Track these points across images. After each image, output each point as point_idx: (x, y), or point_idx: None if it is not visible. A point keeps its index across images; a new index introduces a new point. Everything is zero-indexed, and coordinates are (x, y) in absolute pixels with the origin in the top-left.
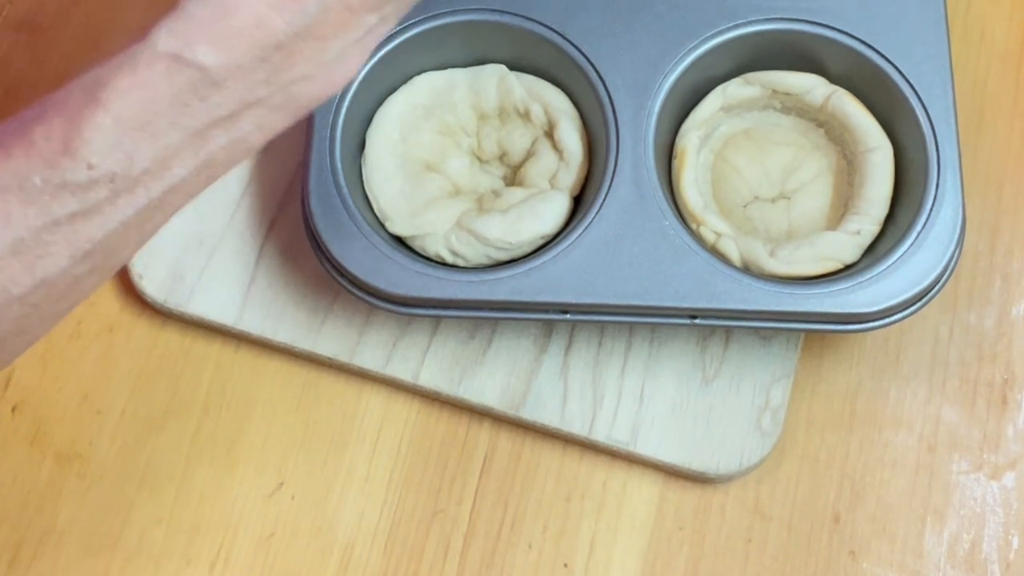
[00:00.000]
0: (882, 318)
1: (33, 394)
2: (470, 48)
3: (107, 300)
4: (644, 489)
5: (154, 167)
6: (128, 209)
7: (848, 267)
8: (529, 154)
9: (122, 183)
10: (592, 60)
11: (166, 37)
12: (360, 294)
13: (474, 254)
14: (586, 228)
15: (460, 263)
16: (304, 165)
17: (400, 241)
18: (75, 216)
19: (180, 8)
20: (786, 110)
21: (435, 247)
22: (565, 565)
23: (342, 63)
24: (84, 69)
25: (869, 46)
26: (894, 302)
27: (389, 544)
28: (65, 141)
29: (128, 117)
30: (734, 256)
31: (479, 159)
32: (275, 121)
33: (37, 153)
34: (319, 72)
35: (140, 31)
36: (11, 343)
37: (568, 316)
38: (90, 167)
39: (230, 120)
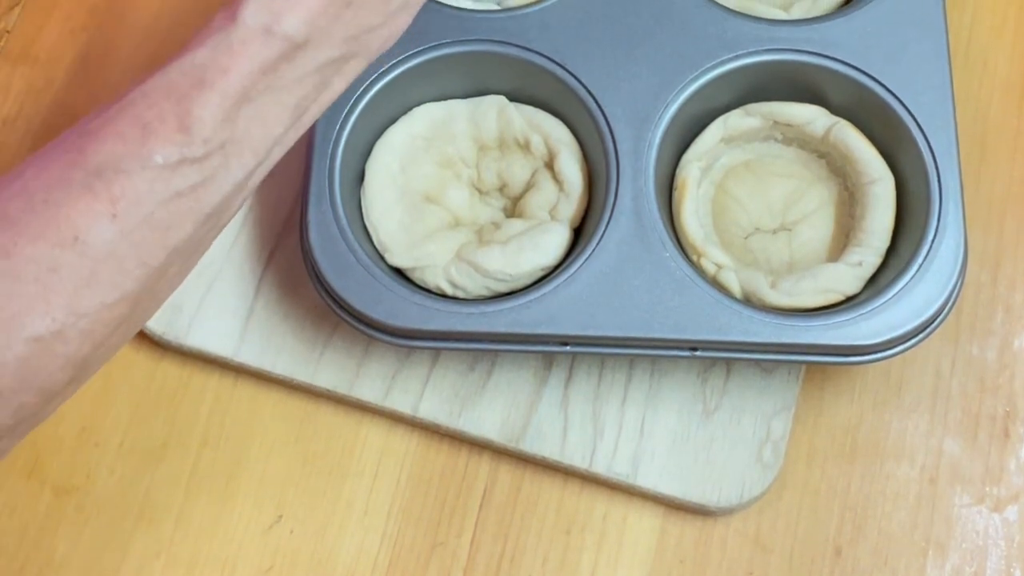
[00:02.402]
0: (884, 350)
1: None
2: (470, 79)
3: None
4: (645, 522)
5: (257, 129)
6: (239, 171)
7: (850, 299)
8: (529, 185)
9: (232, 149)
10: (592, 91)
11: (254, 14)
12: (359, 326)
13: (474, 286)
14: (586, 260)
15: (460, 295)
16: (303, 196)
17: (400, 273)
18: (196, 186)
19: None
20: (787, 141)
21: (435, 279)
22: None
23: (404, 8)
24: (93, 112)
25: (871, 77)
26: (896, 334)
27: None
28: (180, 121)
29: (232, 92)
30: (735, 288)
31: (479, 190)
32: (352, 68)
33: (153, 135)
34: (386, 20)
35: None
36: (143, 309)
37: (568, 348)
38: (205, 141)
39: (316, 74)
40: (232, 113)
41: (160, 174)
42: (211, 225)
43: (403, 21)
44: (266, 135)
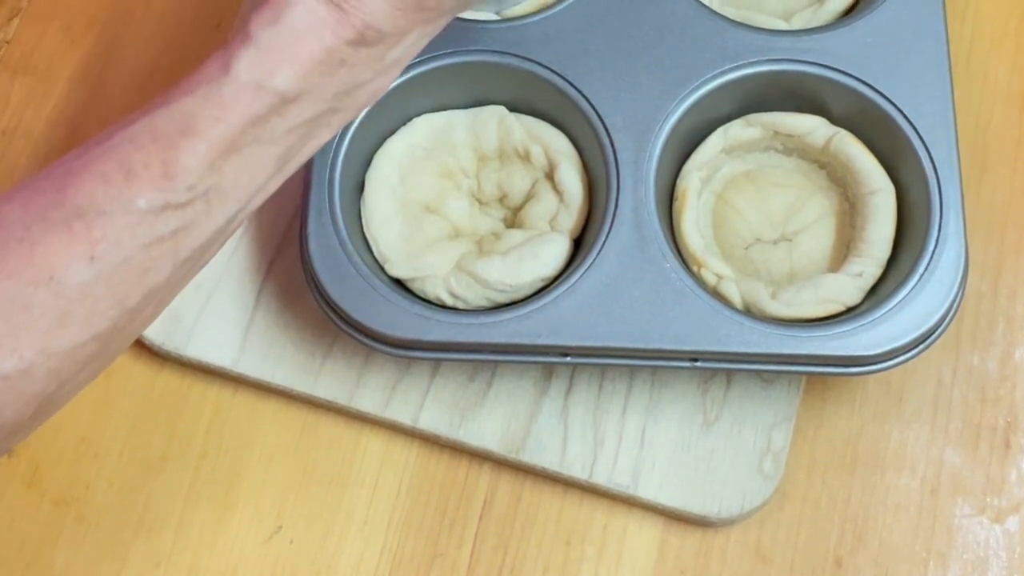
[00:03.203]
0: (884, 361)
1: (30, 437)
2: (470, 90)
3: None
4: (645, 533)
5: (242, 178)
6: (221, 218)
7: (850, 309)
8: (529, 196)
9: (216, 196)
10: (592, 101)
11: (247, 68)
12: (359, 337)
13: (474, 296)
14: (586, 270)
15: (460, 305)
16: (303, 207)
17: (399, 283)
18: (177, 231)
19: (253, 38)
20: (788, 152)
21: (435, 289)
22: None
23: (396, 65)
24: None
25: (871, 87)
26: (896, 344)
27: None
28: (165, 168)
29: (219, 142)
30: (735, 298)
31: (479, 201)
32: (339, 120)
33: (138, 179)
34: (377, 76)
35: (198, 61)
36: (114, 347)
37: (568, 359)
38: (189, 188)
39: (304, 126)
40: (218, 162)
41: (142, 219)
42: (188, 268)
43: (393, 75)
44: (250, 183)
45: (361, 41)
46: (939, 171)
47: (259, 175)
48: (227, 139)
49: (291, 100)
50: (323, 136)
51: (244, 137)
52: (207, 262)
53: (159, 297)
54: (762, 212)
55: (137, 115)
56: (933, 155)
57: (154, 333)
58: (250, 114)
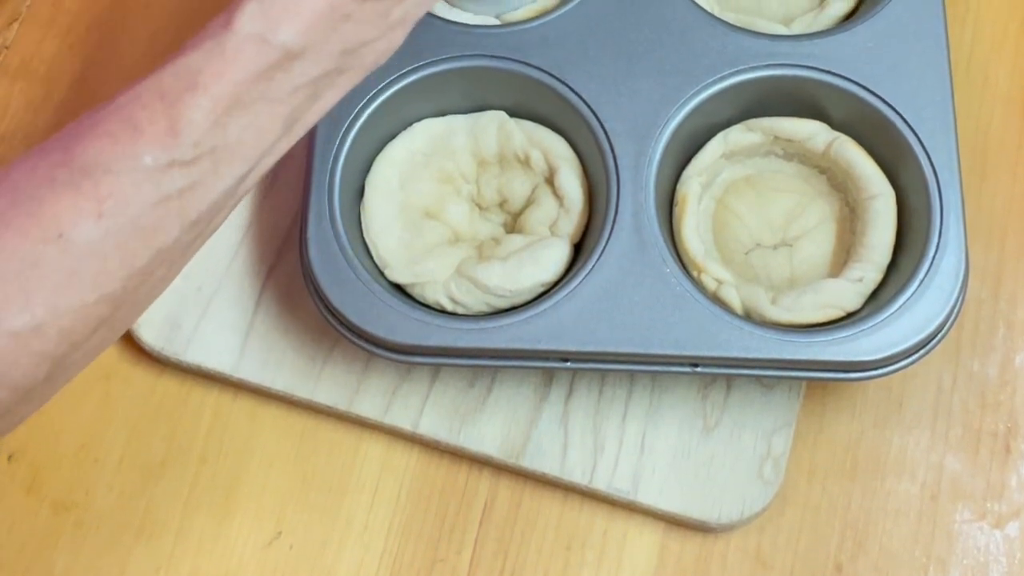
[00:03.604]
0: (885, 366)
1: (30, 442)
2: (470, 95)
3: None
4: (645, 538)
5: (248, 137)
6: (228, 178)
7: (850, 315)
8: (529, 201)
9: (222, 155)
10: (592, 106)
11: (250, 22)
12: (359, 342)
13: (474, 302)
14: (587, 275)
15: (460, 311)
16: (302, 212)
17: (399, 289)
18: (184, 190)
19: None
20: (788, 156)
21: (435, 295)
22: None
23: (402, 24)
24: (84, 115)
25: (871, 92)
26: (897, 350)
27: None
28: (170, 123)
29: (224, 97)
30: (736, 304)
31: (479, 206)
32: (345, 81)
33: (144, 136)
34: (382, 34)
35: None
36: (125, 312)
37: (569, 364)
38: (195, 144)
39: (310, 86)
40: (223, 119)
41: (149, 176)
42: (198, 231)
43: (399, 36)
44: (257, 143)
45: None
46: (939, 176)
47: (266, 135)
48: (231, 94)
49: (296, 55)
50: (329, 98)
51: (249, 93)
52: (216, 227)
53: (168, 260)
54: (762, 217)
55: (147, 75)
56: (933, 160)
57: (154, 338)
58: (254, 69)
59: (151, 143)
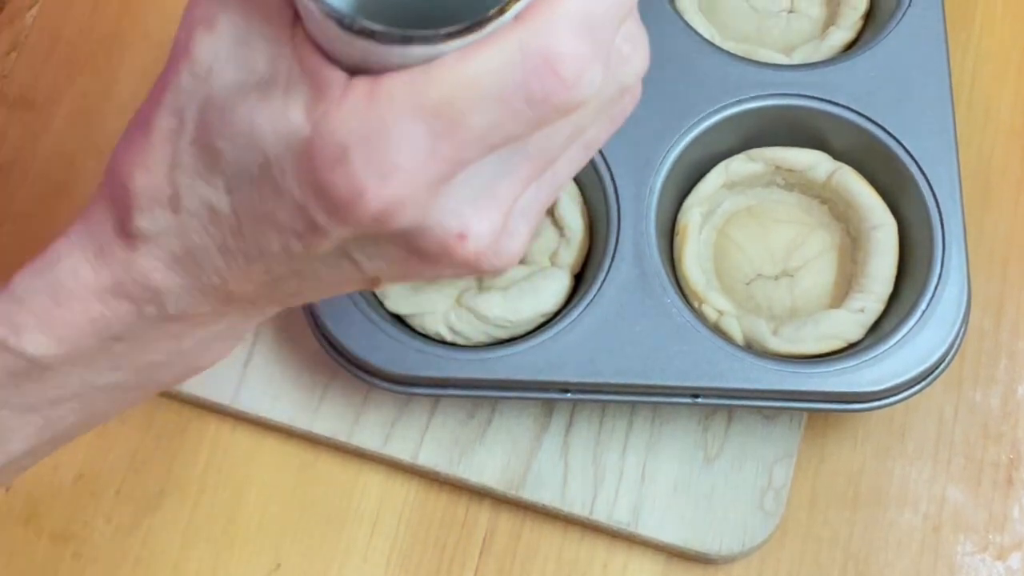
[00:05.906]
0: (886, 397)
1: (27, 474)
2: None
3: None
4: (645, 570)
5: None
6: None
7: (852, 345)
8: None
9: None
10: None
11: None
12: (358, 373)
13: (474, 332)
14: (587, 306)
15: (460, 341)
16: None
17: (399, 319)
18: None
19: (10, 291)
20: (789, 187)
21: (434, 325)
22: None
23: (206, 350)
24: (80, 149)
25: (873, 122)
26: (898, 381)
27: None
28: None
29: None
30: (736, 334)
31: None
32: (132, 398)
33: None
34: (177, 359)
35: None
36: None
37: (569, 395)
38: None
39: (75, 399)
40: None
41: None
42: None
43: (207, 360)
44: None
45: (144, 317)
46: (941, 206)
47: (14, 442)
48: None
49: (49, 368)
50: (109, 412)
51: None
52: None
53: None
54: (763, 247)
55: None
56: (935, 190)
57: None
58: None
59: None
